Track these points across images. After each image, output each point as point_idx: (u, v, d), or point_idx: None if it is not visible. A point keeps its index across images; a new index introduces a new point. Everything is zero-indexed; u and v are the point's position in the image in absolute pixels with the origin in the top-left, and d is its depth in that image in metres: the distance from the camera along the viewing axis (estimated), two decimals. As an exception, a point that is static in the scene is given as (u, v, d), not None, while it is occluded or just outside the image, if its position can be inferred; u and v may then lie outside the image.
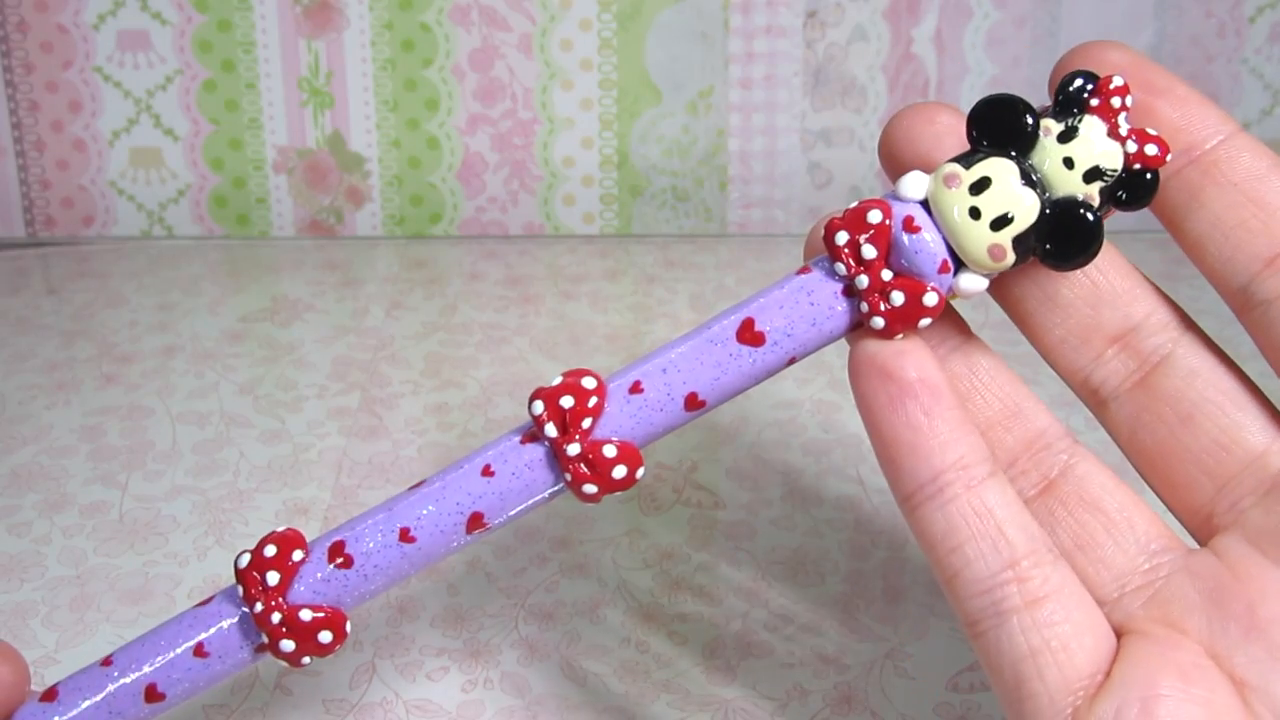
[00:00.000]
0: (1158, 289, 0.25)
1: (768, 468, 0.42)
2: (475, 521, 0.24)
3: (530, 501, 0.24)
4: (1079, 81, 0.23)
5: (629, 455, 0.23)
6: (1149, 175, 0.23)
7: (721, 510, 0.40)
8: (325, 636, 0.24)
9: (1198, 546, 0.24)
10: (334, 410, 0.46)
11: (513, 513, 0.24)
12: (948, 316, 0.25)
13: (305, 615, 0.24)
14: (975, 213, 0.23)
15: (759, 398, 0.46)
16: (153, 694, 0.24)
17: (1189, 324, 0.25)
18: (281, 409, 0.46)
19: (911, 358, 0.23)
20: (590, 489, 0.23)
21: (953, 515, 0.23)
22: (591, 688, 0.33)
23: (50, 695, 0.25)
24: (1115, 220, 0.25)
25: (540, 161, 0.60)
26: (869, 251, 0.23)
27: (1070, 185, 0.23)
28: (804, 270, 0.24)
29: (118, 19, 0.58)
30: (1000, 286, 0.25)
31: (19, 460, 0.43)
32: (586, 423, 0.23)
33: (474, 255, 0.58)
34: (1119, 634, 0.24)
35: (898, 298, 0.23)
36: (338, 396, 0.46)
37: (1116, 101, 0.23)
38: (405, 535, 0.24)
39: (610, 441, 0.23)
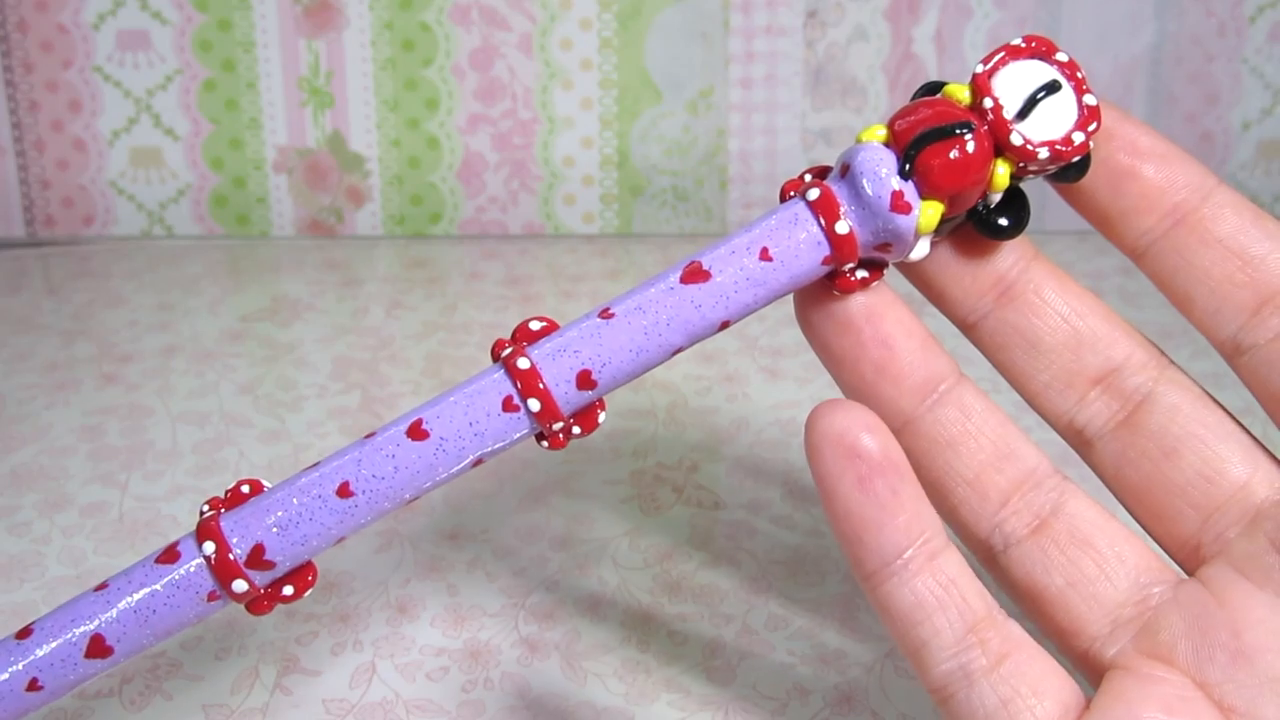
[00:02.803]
0: (1135, 330, 0.26)
1: (768, 468, 0.42)
2: (416, 428, 0.24)
3: (466, 395, 0.24)
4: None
5: (551, 324, 0.25)
6: None
7: (721, 510, 0.40)
8: (244, 489, 0.25)
9: (1187, 577, 0.25)
10: (334, 410, 0.46)
11: (451, 406, 0.24)
12: (938, 357, 0.25)
13: (244, 489, 0.25)
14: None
15: (759, 398, 0.46)
16: (101, 587, 0.25)
17: (1168, 362, 0.25)
18: (281, 409, 0.46)
19: (877, 435, 0.23)
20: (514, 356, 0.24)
21: (919, 589, 0.23)
22: (591, 688, 0.33)
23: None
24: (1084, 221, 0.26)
25: (540, 161, 0.61)
26: (806, 177, 0.25)
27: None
28: None
29: (118, 19, 0.58)
30: (983, 334, 0.26)
31: (19, 460, 0.43)
32: (535, 325, 0.25)
33: (474, 255, 0.58)
34: (1105, 668, 0.24)
35: (814, 193, 0.24)
36: (338, 396, 0.46)
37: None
38: (367, 435, 0.25)
39: (538, 318, 0.25)
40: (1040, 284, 0.25)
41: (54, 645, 0.24)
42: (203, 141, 0.60)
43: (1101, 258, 0.55)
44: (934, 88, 0.25)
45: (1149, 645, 0.24)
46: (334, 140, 0.60)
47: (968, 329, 0.26)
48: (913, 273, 0.26)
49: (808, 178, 0.25)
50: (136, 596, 0.24)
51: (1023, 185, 0.25)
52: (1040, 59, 0.24)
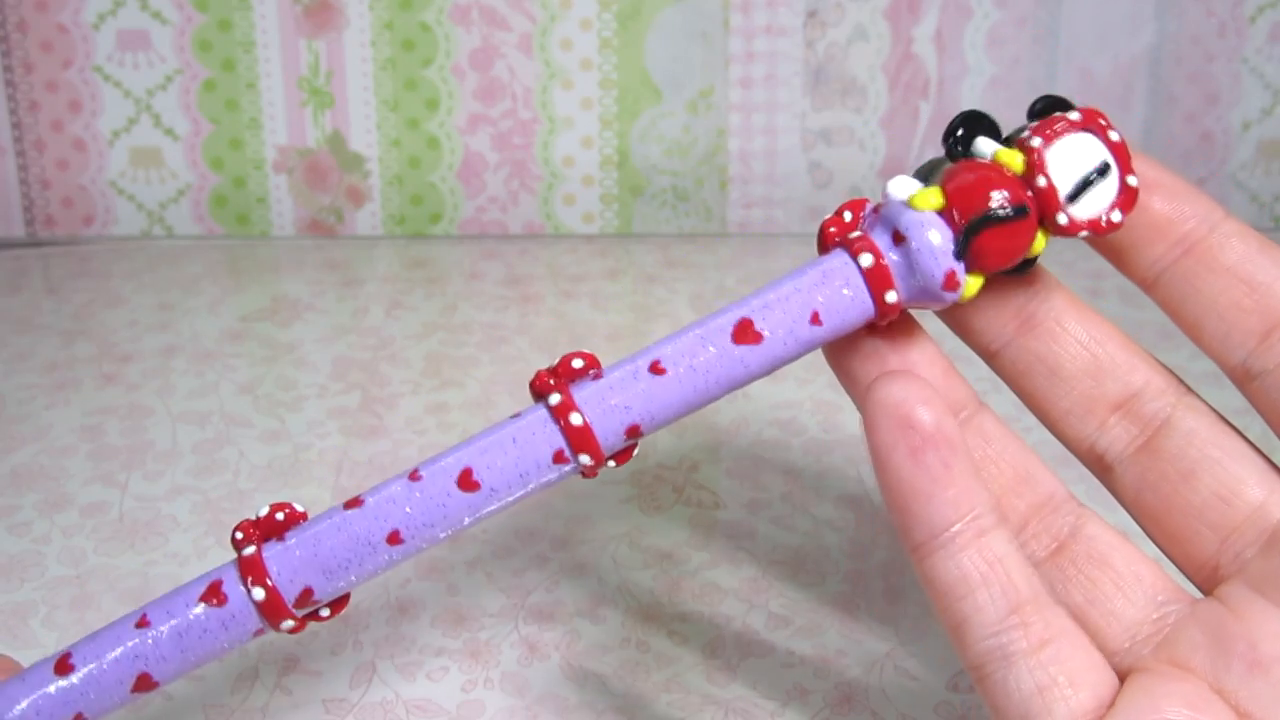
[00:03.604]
0: (1153, 357, 0.26)
1: (768, 468, 0.42)
2: (466, 479, 0.25)
3: (518, 446, 0.25)
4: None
5: (590, 360, 0.25)
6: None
7: (721, 510, 0.40)
8: (279, 515, 0.25)
9: (1203, 597, 0.25)
10: (334, 410, 0.46)
11: (502, 457, 0.25)
12: (959, 385, 0.26)
13: (279, 516, 0.25)
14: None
15: (759, 398, 0.46)
16: (143, 622, 0.25)
17: (1186, 388, 0.26)
18: (281, 409, 0.46)
19: (932, 409, 0.23)
20: (555, 393, 0.25)
21: (964, 563, 0.24)
22: (591, 688, 0.33)
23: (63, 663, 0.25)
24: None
25: (540, 161, 0.61)
26: (846, 215, 0.25)
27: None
28: None
29: (118, 19, 0.58)
30: (1005, 362, 0.26)
31: (19, 460, 0.43)
32: (578, 363, 0.25)
33: (474, 255, 0.58)
34: (1126, 674, 0.24)
35: (867, 259, 0.24)
36: (338, 396, 0.46)
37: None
38: (413, 475, 0.25)
39: (579, 355, 0.25)
40: (1061, 313, 0.26)
41: (101, 685, 0.25)
42: (203, 141, 0.60)
43: (1101, 257, 0.55)
44: (977, 116, 0.25)
45: (1168, 655, 0.25)
46: (334, 140, 0.60)
47: (990, 357, 0.27)
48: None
49: (847, 215, 0.25)
50: (184, 637, 0.25)
51: None
52: (1093, 134, 0.24)
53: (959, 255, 0.24)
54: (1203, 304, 0.25)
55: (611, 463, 0.25)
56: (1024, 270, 0.25)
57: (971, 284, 0.24)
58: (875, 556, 0.38)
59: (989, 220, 0.24)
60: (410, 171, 0.61)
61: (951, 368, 0.26)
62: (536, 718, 0.32)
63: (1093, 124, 0.24)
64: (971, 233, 0.24)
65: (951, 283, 0.24)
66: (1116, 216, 0.24)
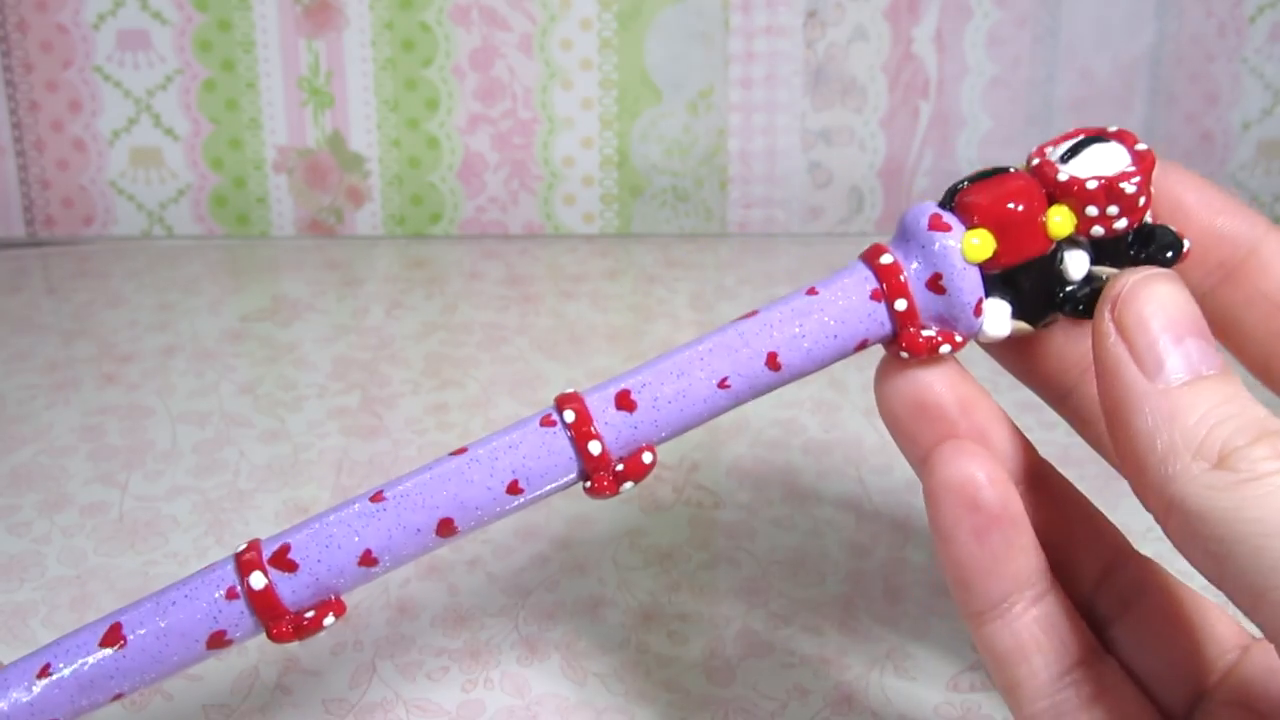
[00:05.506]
0: None
1: (768, 468, 0.42)
2: (458, 450, 0.25)
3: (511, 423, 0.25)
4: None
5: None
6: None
7: (721, 510, 0.40)
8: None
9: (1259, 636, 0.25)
10: (334, 410, 0.46)
11: (494, 432, 0.25)
12: (1024, 450, 0.25)
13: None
14: None
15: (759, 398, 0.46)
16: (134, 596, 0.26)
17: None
18: (281, 409, 0.46)
19: (997, 488, 0.23)
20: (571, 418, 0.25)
21: (1020, 631, 0.24)
22: (591, 688, 0.33)
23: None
24: None
25: (540, 161, 0.61)
26: (886, 257, 0.25)
27: None
28: None
29: (118, 19, 0.58)
30: (1069, 409, 0.26)
31: (19, 460, 0.43)
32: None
33: (474, 255, 0.58)
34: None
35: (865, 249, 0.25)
36: (338, 396, 0.46)
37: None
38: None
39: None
40: None
41: (70, 635, 0.25)
42: (203, 141, 0.60)
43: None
44: None
45: (1225, 694, 0.25)
46: (334, 140, 0.60)
47: (1057, 403, 0.26)
48: (1000, 351, 0.26)
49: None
50: (163, 593, 0.25)
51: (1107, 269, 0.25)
52: (1089, 136, 0.25)
53: (945, 206, 0.24)
54: (1243, 334, 0.25)
55: (629, 484, 0.25)
56: (1076, 305, 0.25)
57: (975, 239, 0.24)
58: (875, 556, 0.38)
59: (972, 177, 0.24)
60: (410, 171, 0.61)
61: (1017, 430, 0.25)
62: (536, 718, 0.32)
63: (1086, 133, 0.25)
64: (955, 186, 0.24)
65: (938, 224, 0.24)
66: (1133, 172, 0.24)
